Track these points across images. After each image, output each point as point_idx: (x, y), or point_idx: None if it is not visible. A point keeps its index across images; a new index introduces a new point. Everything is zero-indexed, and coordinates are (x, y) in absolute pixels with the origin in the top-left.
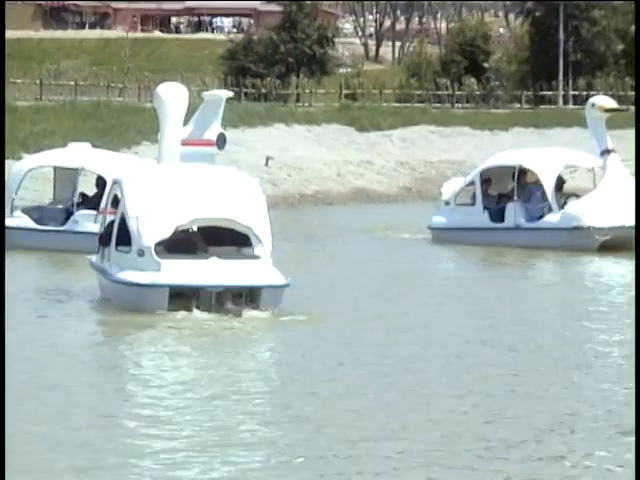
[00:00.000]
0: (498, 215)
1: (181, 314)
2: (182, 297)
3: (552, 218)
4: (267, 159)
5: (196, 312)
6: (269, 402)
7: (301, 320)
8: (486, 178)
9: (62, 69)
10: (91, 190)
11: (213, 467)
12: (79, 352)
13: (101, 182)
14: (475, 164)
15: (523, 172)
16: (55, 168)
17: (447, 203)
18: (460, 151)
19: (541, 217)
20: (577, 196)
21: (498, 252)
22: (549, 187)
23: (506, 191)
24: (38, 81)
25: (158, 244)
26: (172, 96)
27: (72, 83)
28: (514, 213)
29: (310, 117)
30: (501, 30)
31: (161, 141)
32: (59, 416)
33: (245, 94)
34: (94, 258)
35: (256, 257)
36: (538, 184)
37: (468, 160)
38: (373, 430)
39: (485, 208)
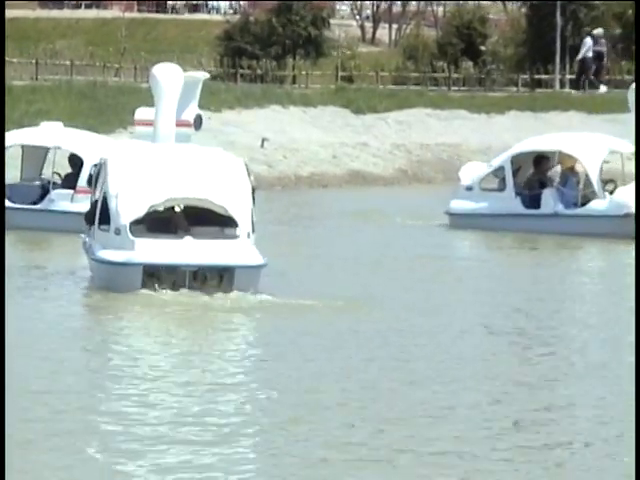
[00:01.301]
0: (532, 201)
1: (156, 294)
2: (159, 277)
3: (598, 205)
4: (263, 140)
5: (170, 292)
6: (250, 387)
7: (293, 304)
8: (517, 164)
9: (58, 49)
10: (61, 170)
11: (192, 454)
12: (56, 333)
13: (77, 161)
14: (470, 147)
15: (545, 158)
16: (23, 147)
17: (470, 188)
18: (456, 134)
19: (575, 204)
20: (614, 182)
21: (533, 239)
22: (594, 173)
23: (525, 178)
24: (34, 61)
25: (139, 223)
26: (167, 77)
27: (68, 63)
28: (552, 199)
29: (306, 99)
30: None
31: (156, 122)
32: (39, 398)
33: (241, 75)
34: (87, 238)
35: (232, 237)
36: (574, 170)
37: (464, 143)
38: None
39: (517, 194)
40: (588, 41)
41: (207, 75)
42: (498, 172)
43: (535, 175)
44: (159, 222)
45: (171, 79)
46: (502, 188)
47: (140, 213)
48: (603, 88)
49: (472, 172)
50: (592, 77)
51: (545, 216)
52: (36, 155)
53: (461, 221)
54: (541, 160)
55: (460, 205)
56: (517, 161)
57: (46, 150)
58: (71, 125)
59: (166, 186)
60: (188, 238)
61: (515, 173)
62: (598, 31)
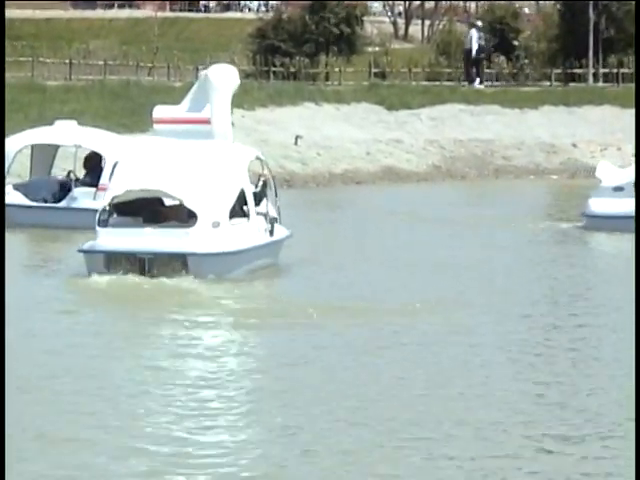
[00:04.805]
0: None
1: (109, 279)
2: (121, 263)
3: None
4: (296, 138)
5: (128, 277)
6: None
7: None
8: None
9: (91, 49)
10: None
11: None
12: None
13: (96, 159)
14: (503, 142)
15: None
16: (33, 146)
17: (620, 189)
18: (489, 130)
19: None
20: None
21: None
22: None
23: None
24: (67, 61)
25: (136, 214)
26: (222, 78)
27: (101, 63)
28: None
29: (339, 96)
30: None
31: (212, 122)
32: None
33: (274, 73)
34: None
35: (191, 225)
36: None
37: (497, 139)
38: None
39: None
40: (474, 32)
41: None
42: None
43: None
44: (154, 213)
45: (225, 80)
46: None
47: (105, 204)
48: (477, 82)
49: (616, 172)
50: (471, 70)
51: None
52: (46, 153)
53: (605, 223)
54: None
55: (606, 207)
56: None
57: (56, 148)
58: (105, 124)
59: (132, 179)
60: (149, 227)
61: None
62: (480, 23)
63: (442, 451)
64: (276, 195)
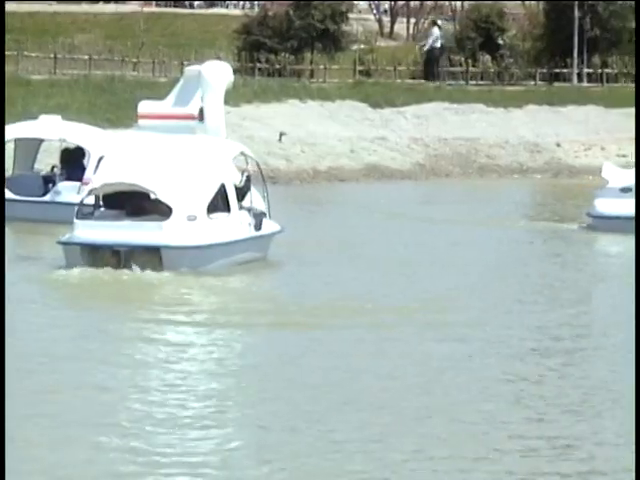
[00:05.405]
0: None
1: (81, 271)
2: (100, 256)
3: None
4: (281, 135)
5: (104, 270)
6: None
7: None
8: None
9: (76, 43)
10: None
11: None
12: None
13: (74, 153)
14: (488, 141)
15: None
16: (16, 140)
17: (627, 190)
18: (474, 128)
19: None
20: None
21: None
22: None
23: None
24: (52, 55)
25: (121, 207)
26: (216, 74)
27: (86, 57)
28: None
29: (324, 93)
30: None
31: (205, 118)
32: None
33: (259, 69)
34: None
35: (166, 218)
36: None
37: (481, 137)
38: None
39: None
40: (435, 31)
41: None
42: None
43: None
44: (138, 207)
45: (219, 76)
46: None
47: (82, 197)
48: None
49: (623, 173)
50: (439, 68)
51: None
52: (29, 148)
53: (612, 224)
54: None
55: (613, 208)
56: None
57: (40, 142)
58: (90, 119)
59: (110, 173)
60: (126, 220)
61: None
62: (440, 22)
63: (434, 451)
64: (266, 190)
